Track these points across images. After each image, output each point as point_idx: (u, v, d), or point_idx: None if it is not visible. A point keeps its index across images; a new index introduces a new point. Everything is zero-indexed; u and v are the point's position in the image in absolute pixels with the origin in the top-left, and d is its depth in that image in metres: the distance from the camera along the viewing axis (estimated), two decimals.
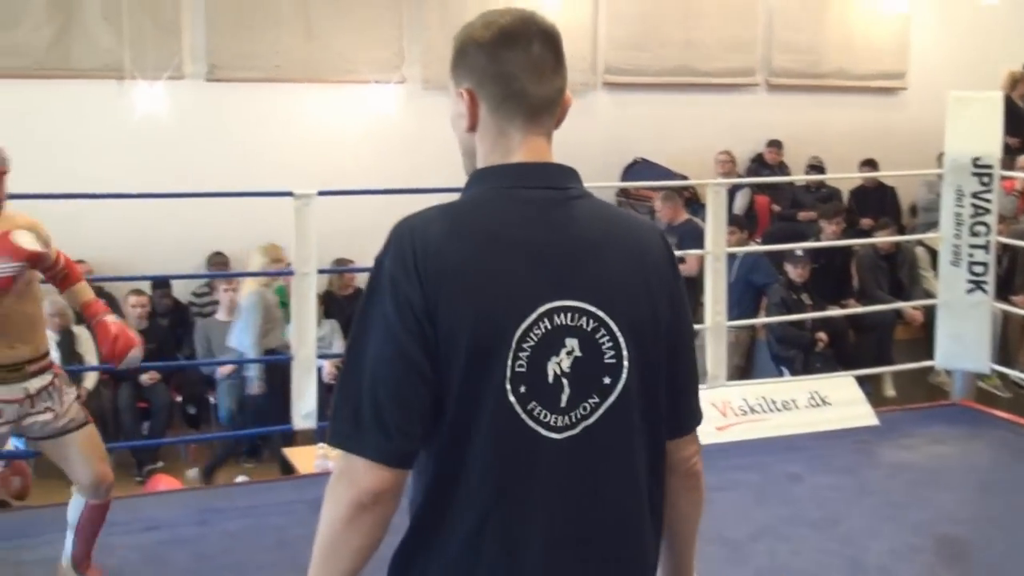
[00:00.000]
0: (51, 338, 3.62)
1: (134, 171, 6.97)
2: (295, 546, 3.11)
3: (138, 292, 7.39)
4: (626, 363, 1.58)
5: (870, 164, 9.54)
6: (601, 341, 1.56)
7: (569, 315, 1.54)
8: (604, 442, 1.57)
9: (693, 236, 6.92)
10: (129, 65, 7.95)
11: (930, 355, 6.35)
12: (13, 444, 6.33)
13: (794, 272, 7.42)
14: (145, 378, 7.23)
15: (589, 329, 1.55)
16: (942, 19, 10.56)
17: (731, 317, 6.61)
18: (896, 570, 4.05)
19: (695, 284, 6.23)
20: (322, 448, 5.38)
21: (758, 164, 9.93)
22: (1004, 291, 7.52)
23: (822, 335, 7.43)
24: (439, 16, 8.88)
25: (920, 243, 8.23)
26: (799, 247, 7.47)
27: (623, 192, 9.91)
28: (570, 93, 1.68)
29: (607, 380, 1.57)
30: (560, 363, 1.54)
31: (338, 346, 7.17)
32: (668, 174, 9.01)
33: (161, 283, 7.83)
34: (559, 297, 1.54)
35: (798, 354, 7.30)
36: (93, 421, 3.68)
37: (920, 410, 6.30)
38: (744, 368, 7.69)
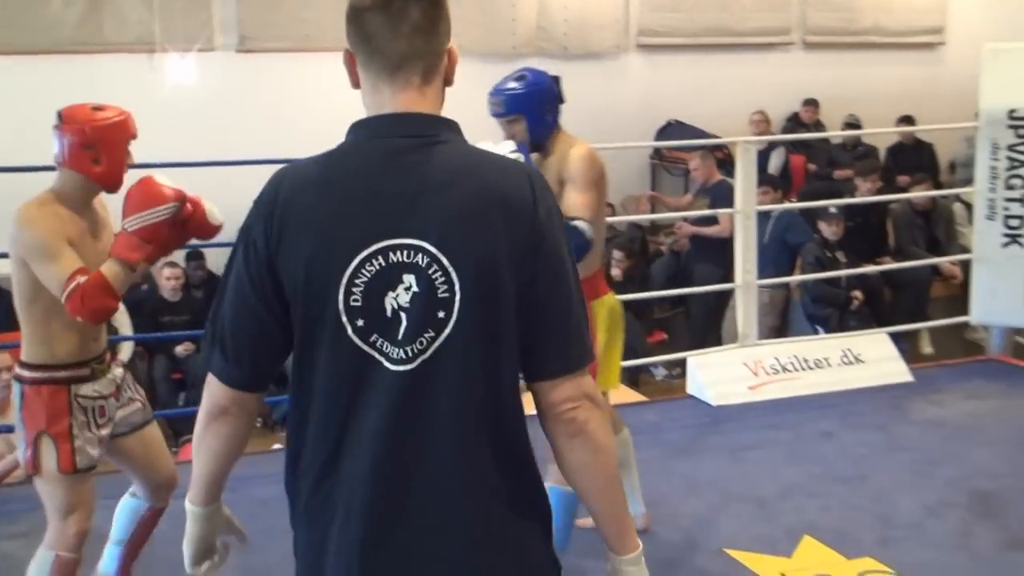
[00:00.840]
0: None
1: (166, 143, 6.98)
2: None
3: (172, 264, 7.43)
4: (458, 298, 1.64)
5: (907, 121, 9.41)
6: (435, 277, 1.63)
7: (405, 252, 1.63)
8: (441, 375, 1.64)
9: (726, 196, 6.86)
10: (160, 38, 8.01)
11: (968, 311, 6.28)
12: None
13: (828, 230, 7.34)
14: (180, 349, 7.32)
15: (423, 265, 1.63)
16: None
17: (767, 276, 6.59)
18: (927, 526, 4.03)
19: (729, 244, 6.19)
20: None
21: (794, 123, 9.83)
22: None
23: (857, 293, 7.34)
24: None
25: (957, 199, 8.13)
26: (833, 203, 7.39)
27: (656, 153, 9.86)
28: (455, 47, 1.77)
29: (441, 314, 1.64)
30: (397, 298, 1.64)
31: None
32: (702, 135, 8.92)
33: (195, 255, 7.90)
34: (395, 236, 1.63)
35: (833, 313, 7.23)
36: None
37: (956, 366, 6.26)
38: (780, 328, 7.65)
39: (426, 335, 1.64)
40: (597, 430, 1.72)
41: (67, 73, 7.77)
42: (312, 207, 1.66)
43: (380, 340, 1.64)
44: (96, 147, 2.99)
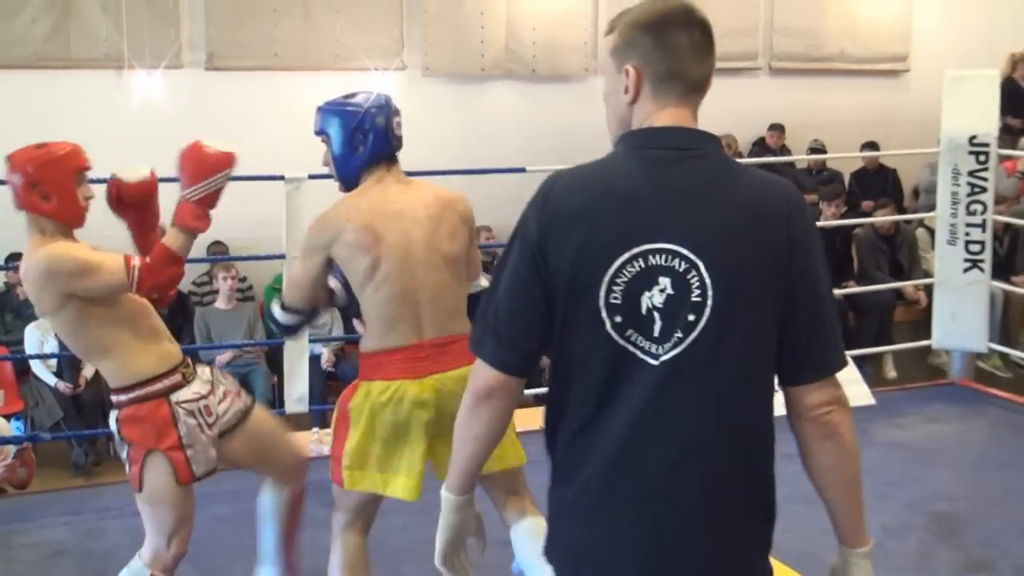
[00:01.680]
0: None
1: (134, 159, 6.97)
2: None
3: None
4: (710, 303, 1.76)
5: (871, 146, 9.51)
6: (691, 281, 1.76)
7: (663, 256, 1.76)
8: (690, 374, 1.77)
9: None
10: (128, 54, 7.96)
11: (931, 336, 6.33)
12: (15, 428, 6.40)
13: None
14: None
15: (680, 270, 1.76)
16: (945, 1, 10.52)
17: None
18: (888, 546, 4.05)
19: None
20: (316, 433, 5.41)
21: (760, 148, 9.91)
22: (1006, 271, 7.50)
23: None
24: (439, 1, 8.88)
25: (921, 224, 8.21)
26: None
27: None
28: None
29: (691, 317, 1.76)
30: (652, 298, 1.76)
31: (337, 332, 7.18)
32: None
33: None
34: (655, 241, 1.77)
35: None
36: None
37: (918, 390, 6.32)
38: None
39: (677, 335, 1.76)
40: (848, 432, 1.89)
41: (34, 89, 7.75)
42: (581, 208, 1.80)
43: (635, 335, 1.77)
44: (41, 185, 2.94)
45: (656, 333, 1.76)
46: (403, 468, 2.92)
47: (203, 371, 3.19)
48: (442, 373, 2.90)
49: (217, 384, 3.19)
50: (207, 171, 3.00)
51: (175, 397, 3.02)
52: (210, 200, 3.02)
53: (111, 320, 2.97)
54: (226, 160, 3.04)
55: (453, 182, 8.23)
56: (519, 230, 1.87)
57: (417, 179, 3.04)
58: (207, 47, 8.32)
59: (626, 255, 1.76)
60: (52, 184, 2.94)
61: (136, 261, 2.91)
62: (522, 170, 6.21)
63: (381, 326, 2.89)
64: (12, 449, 4.81)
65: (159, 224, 3.22)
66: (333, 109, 2.99)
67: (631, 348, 1.77)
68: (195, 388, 3.08)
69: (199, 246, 8.17)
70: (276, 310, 3.01)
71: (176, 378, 3.05)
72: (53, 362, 6.70)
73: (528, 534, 3.06)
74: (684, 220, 1.77)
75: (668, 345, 1.76)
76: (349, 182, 3.00)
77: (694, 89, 1.88)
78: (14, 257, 5.82)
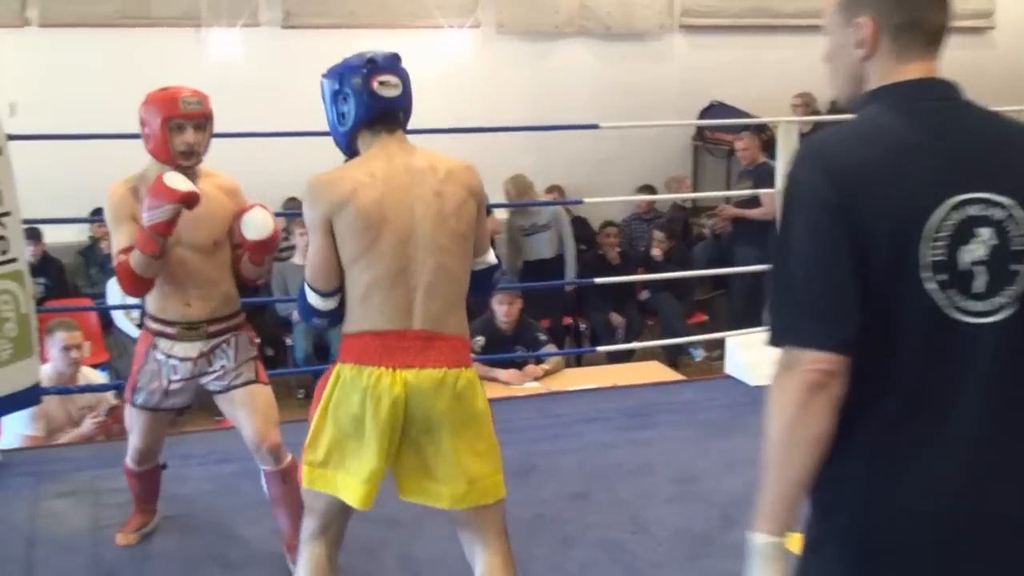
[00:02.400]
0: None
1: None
2: None
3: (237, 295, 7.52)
4: None
5: None
6: (1008, 230, 1.66)
7: (979, 206, 1.66)
8: (1019, 335, 1.66)
9: (768, 178, 6.84)
10: (206, 13, 8.09)
11: None
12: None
13: None
14: None
15: (998, 219, 1.66)
16: None
17: None
18: None
19: (772, 227, 6.16)
20: None
21: (838, 107, 9.75)
22: None
23: None
24: None
25: None
26: None
27: (698, 134, 9.83)
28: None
29: (1014, 267, 1.66)
30: (973, 252, 1.65)
31: None
32: (745, 117, 8.90)
33: None
34: (967, 190, 1.66)
35: None
36: (269, 383, 3.60)
37: None
38: None
39: (1007, 289, 1.66)
40: None
41: (114, 47, 7.90)
42: (877, 163, 1.67)
43: (957, 295, 1.65)
44: (145, 124, 3.31)
45: (981, 289, 1.65)
46: (358, 469, 2.60)
47: (210, 343, 3.45)
48: (420, 369, 2.58)
49: (217, 358, 3.47)
50: (155, 201, 3.16)
51: (156, 341, 3.45)
52: (159, 228, 3.15)
53: None
54: (175, 195, 3.14)
55: (524, 139, 8.26)
56: (796, 197, 1.68)
57: (422, 148, 2.74)
58: (283, 5, 8.41)
59: (941, 208, 1.64)
60: (150, 125, 3.31)
61: (121, 259, 3.26)
62: (595, 126, 6.17)
63: (365, 306, 2.61)
64: (106, 405, 4.97)
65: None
66: (325, 74, 2.77)
67: (953, 311, 1.65)
68: (178, 348, 3.43)
69: (275, 202, 8.33)
70: (312, 297, 2.66)
71: (169, 330, 3.43)
72: (135, 314, 6.85)
73: None
74: (990, 167, 1.68)
75: (996, 302, 1.65)
76: (346, 151, 2.80)
77: (935, 39, 1.77)
78: (98, 212, 5.95)
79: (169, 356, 3.43)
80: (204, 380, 3.49)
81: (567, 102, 8.93)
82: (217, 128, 3.73)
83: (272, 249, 3.49)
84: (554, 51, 9.33)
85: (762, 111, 8.89)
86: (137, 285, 3.31)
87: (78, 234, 8.00)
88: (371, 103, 2.66)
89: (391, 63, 2.72)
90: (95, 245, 7.84)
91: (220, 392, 3.51)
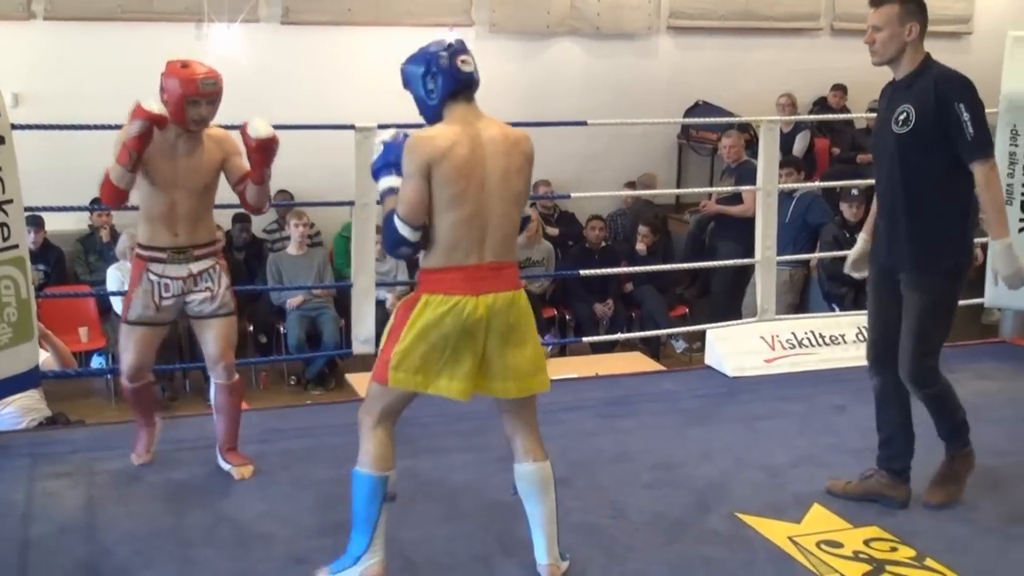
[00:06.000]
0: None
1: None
2: (350, 464, 3.29)
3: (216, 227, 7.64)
4: None
5: None
6: None
7: None
8: None
9: (750, 176, 7.00)
10: (207, 9, 8.21)
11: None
12: (97, 364, 6.67)
13: (849, 211, 7.50)
14: None
15: None
16: None
17: (788, 255, 6.73)
18: None
19: (753, 224, 6.32)
20: None
21: (821, 108, 9.93)
22: None
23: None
24: None
25: None
26: (855, 184, 7.51)
27: (683, 133, 9.99)
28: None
29: None
30: None
31: (402, 277, 7.40)
32: (729, 117, 9.06)
33: (242, 217, 8.14)
34: None
35: (849, 291, 7.34)
36: (238, 313, 4.27)
37: (968, 347, 6.33)
38: (798, 305, 7.79)
39: None
40: None
41: (116, 40, 8.02)
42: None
43: None
44: (165, 92, 3.83)
45: None
46: (450, 373, 3.19)
47: (196, 265, 4.02)
48: (496, 293, 3.19)
49: (203, 280, 4.04)
50: (130, 120, 3.73)
51: (149, 266, 3.99)
52: (132, 143, 3.73)
53: (145, 193, 3.93)
54: (147, 115, 3.69)
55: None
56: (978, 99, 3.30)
57: (490, 116, 3.27)
58: (283, 2, 8.55)
59: None
60: (167, 93, 3.82)
61: (107, 169, 3.82)
62: (584, 123, 6.34)
63: (448, 245, 3.16)
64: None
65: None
66: (407, 61, 3.28)
67: None
68: (169, 270, 3.99)
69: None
70: (404, 229, 3.12)
71: (160, 255, 3.98)
72: None
73: (533, 480, 3.36)
74: None
75: None
76: (431, 120, 3.29)
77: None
78: (97, 201, 6.08)
79: (162, 277, 3.99)
80: (190, 299, 4.04)
81: (557, 100, 9.09)
82: (217, 121, 3.96)
83: (272, 153, 3.96)
84: (545, 50, 9.48)
85: (746, 111, 9.06)
86: (113, 196, 3.87)
87: (78, 222, 8.12)
88: (458, 77, 3.20)
89: (464, 46, 3.27)
90: (95, 233, 7.96)
91: (203, 316, 4.09)
